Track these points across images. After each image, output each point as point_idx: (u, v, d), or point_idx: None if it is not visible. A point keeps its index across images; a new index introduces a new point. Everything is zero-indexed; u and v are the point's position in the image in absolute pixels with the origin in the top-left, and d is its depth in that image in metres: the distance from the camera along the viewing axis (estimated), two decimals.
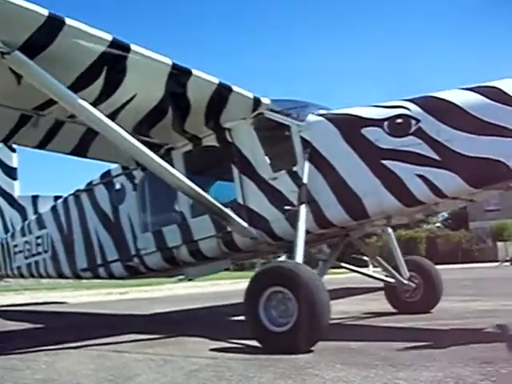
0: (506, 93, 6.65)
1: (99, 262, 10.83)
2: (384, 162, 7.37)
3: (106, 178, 10.96)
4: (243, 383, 4.78)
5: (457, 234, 59.76)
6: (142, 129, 8.68)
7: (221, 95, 8.14)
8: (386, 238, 10.74)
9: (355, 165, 7.58)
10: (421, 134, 7.15)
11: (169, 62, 7.31)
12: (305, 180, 7.64)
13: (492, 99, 6.73)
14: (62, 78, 6.68)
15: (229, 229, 8.45)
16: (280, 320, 6.36)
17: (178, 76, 7.54)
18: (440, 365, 5.11)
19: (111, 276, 10.83)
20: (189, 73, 7.58)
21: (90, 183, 11.37)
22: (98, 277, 11.24)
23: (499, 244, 55.26)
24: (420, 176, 7.11)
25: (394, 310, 10.34)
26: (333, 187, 7.74)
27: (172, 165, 8.36)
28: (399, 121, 7.38)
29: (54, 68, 6.55)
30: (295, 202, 7.73)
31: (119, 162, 10.32)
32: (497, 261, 46.59)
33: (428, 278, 10.33)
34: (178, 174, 7.57)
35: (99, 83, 7.23)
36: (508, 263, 38.55)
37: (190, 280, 10.40)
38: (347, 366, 5.27)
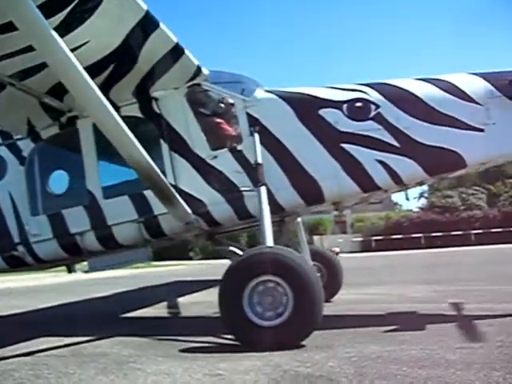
0: (458, 87, 7.05)
1: None
2: (344, 145, 7.22)
3: None
4: (63, 381, 4.64)
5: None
6: (61, 86, 7.31)
7: (172, 57, 7.24)
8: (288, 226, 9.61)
9: (312, 147, 7.25)
10: (380, 119, 7.17)
11: (144, 7, 6.32)
12: (259, 160, 7.03)
13: (447, 92, 7.08)
14: None
15: (156, 212, 7.52)
16: (269, 313, 5.71)
17: (146, 26, 6.61)
18: (259, 354, 5.29)
19: None
20: (156, 25, 6.64)
21: None
22: None
23: (315, 238, 58.14)
24: (380, 161, 7.08)
25: None
26: (285, 169, 7.30)
27: (77, 136, 7.66)
28: (359, 104, 7.29)
29: None
30: (239, 184, 7.32)
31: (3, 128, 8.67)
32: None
33: (331, 267, 10.23)
34: (132, 138, 6.34)
35: (63, 14, 5.98)
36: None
37: (85, 272, 8.68)
38: (169, 359, 5.30)
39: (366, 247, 45.52)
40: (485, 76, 7.16)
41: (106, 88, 7.16)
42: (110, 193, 7.86)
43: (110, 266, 8.21)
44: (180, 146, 7.60)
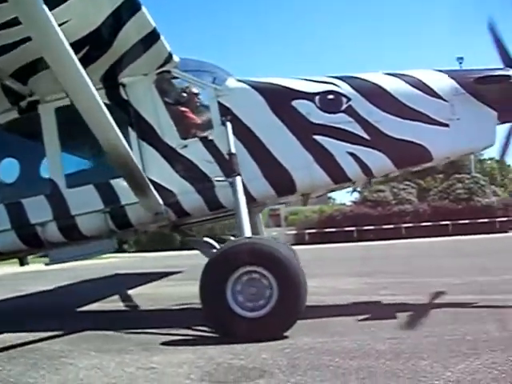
0: (425, 83, 7.26)
1: None
2: (316, 137, 7.24)
3: None
4: None
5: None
6: (29, 68, 7.00)
7: (148, 42, 7.02)
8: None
9: (284, 137, 7.25)
10: (351, 112, 7.22)
11: None
12: (233, 150, 6.91)
13: (415, 87, 7.27)
14: None
15: (123, 202, 7.28)
16: (253, 304, 5.65)
17: (128, 7, 6.39)
18: (193, 347, 5.32)
19: None
20: (138, 7, 6.44)
21: None
22: None
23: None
24: (351, 154, 7.17)
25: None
26: (257, 160, 7.25)
27: (38, 122, 7.34)
28: (331, 97, 7.31)
29: None
30: (210, 174, 7.22)
31: None
32: None
33: None
34: (112, 122, 6.13)
35: None
36: None
37: (47, 264, 8.12)
38: (102, 353, 5.24)
39: (299, 240, 45.87)
40: (450, 73, 7.44)
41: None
42: (73, 182, 7.53)
43: (72, 257, 7.89)
44: (149, 135, 7.37)
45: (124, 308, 9.38)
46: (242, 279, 5.67)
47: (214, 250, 7.40)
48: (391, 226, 44.20)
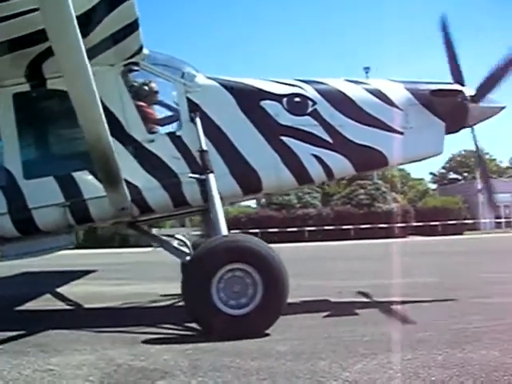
0: (383, 92, 7.64)
1: None
2: (283, 138, 7.31)
3: None
4: None
5: None
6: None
7: (127, 31, 6.66)
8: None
9: (252, 137, 7.26)
10: (316, 115, 7.37)
11: None
12: (204, 146, 6.87)
13: (374, 95, 7.60)
14: None
15: (85, 196, 6.95)
16: (236, 301, 5.66)
17: None
18: (92, 348, 5.20)
19: None
20: None
21: None
22: None
23: (154, 230, 57.65)
24: (315, 156, 7.32)
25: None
26: (225, 157, 7.19)
27: None
28: (297, 99, 7.40)
29: None
30: (177, 170, 7.05)
31: None
32: (151, 246, 48.71)
33: None
34: (101, 112, 5.79)
35: None
36: (161, 248, 40.50)
37: None
38: None
39: None
40: (406, 84, 7.85)
41: (43, 57, 6.65)
42: (32, 173, 7.06)
43: (26, 254, 7.38)
44: (114, 127, 6.74)
45: (36, 308, 9.05)
46: (227, 276, 5.68)
47: (176, 247, 7.76)
48: (295, 229, 44.93)
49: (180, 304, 8.56)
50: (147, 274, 15.96)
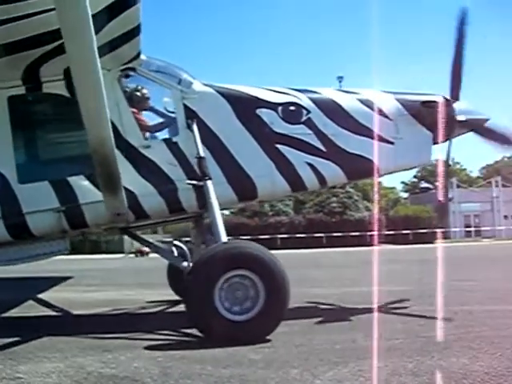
0: (374, 103, 7.77)
1: None
2: (278, 146, 7.37)
3: None
4: None
5: None
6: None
7: (128, 36, 6.58)
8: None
9: (248, 144, 7.29)
10: (310, 124, 7.49)
11: None
12: (201, 153, 6.84)
13: (366, 105, 7.75)
14: None
15: (81, 201, 6.87)
16: (239, 307, 5.72)
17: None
18: (62, 355, 5.14)
19: None
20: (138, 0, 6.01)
21: None
22: None
23: (125, 237, 57.13)
24: (309, 164, 7.43)
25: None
26: (222, 165, 7.18)
27: None
28: (292, 108, 7.50)
29: None
30: (173, 177, 7.01)
31: None
32: (123, 252, 48.33)
33: None
34: (108, 116, 5.73)
35: None
36: (133, 255, 40.26)
37: None
38: None
39: None
40: (396, 95, 8.03)
41: (42, 60, 6.59)
42: (27, 177, 6.94)
43: (19, 259, 7.23)
44: None
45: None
46: (230, 283, 5.73)
47: (174, 253, 7.88)
48: (267, 237, 44.95)
49: (153, 310, 8.54)
50: (121, 280, 15.81)
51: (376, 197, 42.75)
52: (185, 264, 7.31)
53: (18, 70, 6.81)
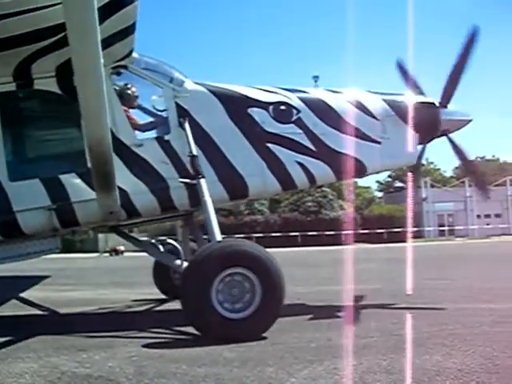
0: (362, 103, 7.91)
1: None
2: (269, 145, 7.39)
3: None
4: None
5: None
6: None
7: (123, 34, 6.49)
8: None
9: (240, 144, 7.32)
10: (300, 124, 7.54)
11: None
12: (194, 152, 6.82)
13: (354, 106, 7.82)
14: None
15: (72, 199, 6.79)
16: (235, 305, 5.77)
17: None
18: (36, 355, 5.10)
19: None
20: None
21: None
22: None
23: (100, 235, 56.73)
24: (299, 163, 7.47)
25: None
26: (213, 164, 7.18)
27: None
28: (283, 108, 7.54)
29: None
30: (165, 175, 6.98)
31: None
32: (97, 251, 47.99)
33: None
34: (108, 113, 5.72)
35: None
36: (107, 254, 40.03)
37: None
38: None
39: None
40: (382, 95, 8.14)
41: (35, 56, 6.51)
42: (17, 175, 6.86)
43: (10, 258, 7.11)
44: None
45: None
46: (227, 281, 5.77)
47: (161, 251, 7.81)
48: (242, 236, 44.99)
49: (129, 310, 8.51)
50: (97, 279, 15.72)
51: (351, 196, 43.04)
52: (178, 262, 7.31)
53: (10, 67, 6.74)
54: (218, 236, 6.19)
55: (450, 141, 8.39)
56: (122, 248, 35.82)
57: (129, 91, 7.50)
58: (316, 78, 47.74)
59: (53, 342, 5.73)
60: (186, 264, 6.77)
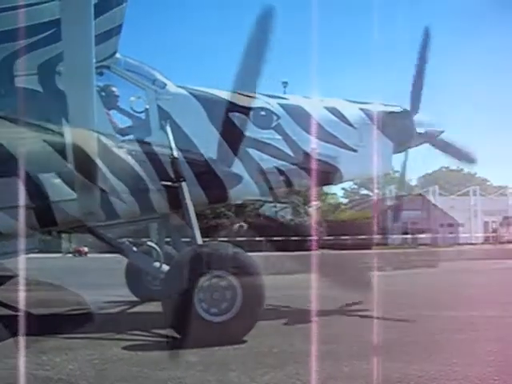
0: (340, 111, 7.97)
1: None
2: (249, 149, 7.34)
3: None
4: None
5: None
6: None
7: (109, 34, 6.44)
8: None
9: (220, 147, 7.20)
10: (280, 130, 7.52)
11: None
12: (175, 154, 6.74)
13: (332, 113, 7.91)
14: None
15: (51, 198, 6.66)
16: (217, 308, 5.77)
17: None
18: None
19: None
20: None
21: None
22: None
23: (63, 236, 56.01)
24: (277, 169, 7.47)
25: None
26: (193, 167, 7.11)
27: None
28: (263, 113, 7.51)
29: None
30: (145, 177, 6.86)
31: None
32: (61, 252, 47.44)
33: None
34: (95, 113, 5.70)
35: None
36: (71, 255, 39.54)
37: None
38: None
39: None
40: (359, 104, 8.25)
41: (21, 53, 6.37)
42: None
43: None
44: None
45: None
46: (208, 284, 5.77)
47: (138, 253, 7.55)
48: (207, 240, 44.89)
49: (102, 312, 8.41)
50: (64, 280, 15.50)
51: (316, 202, 43.26)
52: (156, 265, 7.19)
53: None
54: (199, 239, 6.25)
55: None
56: (85, 249, 35.38)
57: (112, 91, 7.45)
58: (285, 83, 47.90)
59: (14, 344, 5.63)
60: (164, 267, 6.75)
